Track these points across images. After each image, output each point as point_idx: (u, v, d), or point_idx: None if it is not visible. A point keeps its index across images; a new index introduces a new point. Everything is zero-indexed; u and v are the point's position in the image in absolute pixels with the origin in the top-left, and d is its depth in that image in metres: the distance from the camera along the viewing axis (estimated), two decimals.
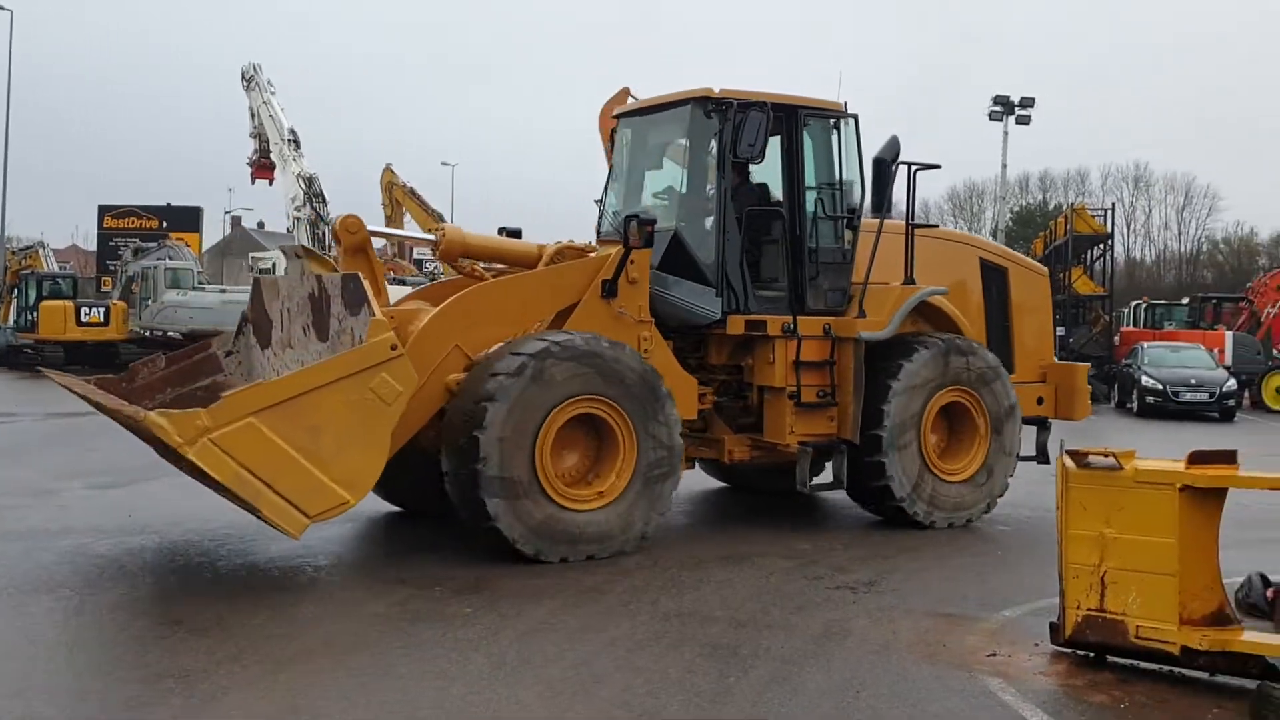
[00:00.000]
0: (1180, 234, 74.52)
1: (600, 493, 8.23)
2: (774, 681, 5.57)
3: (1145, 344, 26.32)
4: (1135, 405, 24.66)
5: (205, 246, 52.79)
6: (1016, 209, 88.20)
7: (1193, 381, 23.77)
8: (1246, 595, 7.21)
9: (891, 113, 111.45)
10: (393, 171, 41.76)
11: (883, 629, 6.59)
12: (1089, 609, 5.81)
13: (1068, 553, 5.88)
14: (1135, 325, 33.00)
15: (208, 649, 5.88)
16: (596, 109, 12.41)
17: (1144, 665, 5.78)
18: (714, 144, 9.42)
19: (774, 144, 9.43)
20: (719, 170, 9.42)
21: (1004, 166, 36.90)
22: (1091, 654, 5.98)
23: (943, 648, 6.24)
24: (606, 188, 10.59)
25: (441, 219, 43.63)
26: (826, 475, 9.83)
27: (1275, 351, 28.41)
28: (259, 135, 36.09)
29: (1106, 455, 5.78)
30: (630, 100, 21.00)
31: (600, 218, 10.46)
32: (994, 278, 10.98)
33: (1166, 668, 5.72)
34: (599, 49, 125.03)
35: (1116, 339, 31.19)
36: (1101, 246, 31.62)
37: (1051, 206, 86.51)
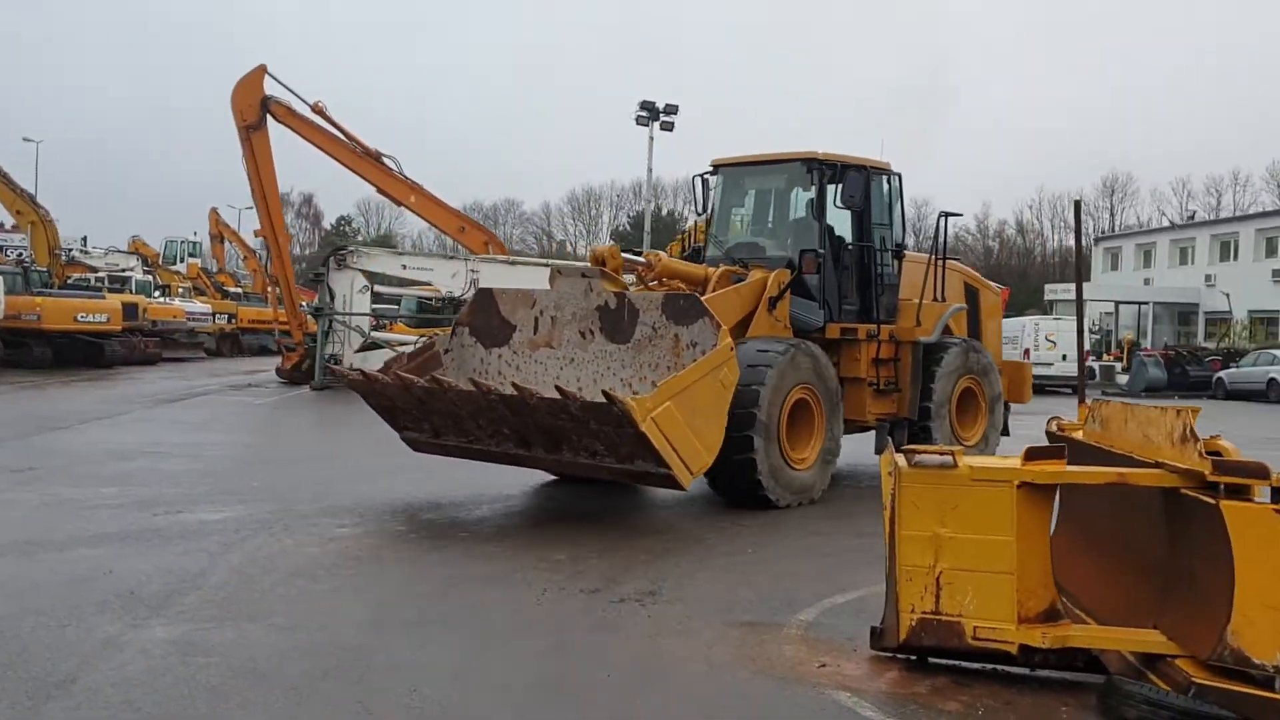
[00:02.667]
0: None
1: (804, 458, 11.11)
2: None
3: None
4: None
5: None
6: (632, 215, 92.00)
7: None
8: None
9: (550, 110, 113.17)
10: None
11: (695, 645, 6.12)
12: (924, 612, 5.63)
13: (901, 555, 5.67)
14: None
15: None
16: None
17: (966, 665, 5.70)
18: (815, 194, 12.42)
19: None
20: (818, 214, 12.36)
21: (649, 171, 38.00)
22: (914, 657, 5.83)
23: (768, 661, 5.86)
24: (709, 226, 13.34)
25: (33, 200, 38.74)
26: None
27: None
28: None
29: (943, 453, 5.63)
30: (268, 77, 20.13)
31: (705, 246, 13.26)
32: (971, 295, 14.29)
33: (990, 666, 5.68)
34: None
35: None
36: None
37: (665, 213, 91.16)
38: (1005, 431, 14.00)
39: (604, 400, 8.91)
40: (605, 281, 11.05)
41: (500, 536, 9.25)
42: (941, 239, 13.32)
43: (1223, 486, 4.89)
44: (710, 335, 10.04)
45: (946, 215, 13.37)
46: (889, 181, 13.01)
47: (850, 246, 12.52)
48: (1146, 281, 53.65)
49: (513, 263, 33.91)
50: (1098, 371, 38.99)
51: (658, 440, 8.88)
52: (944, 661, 5.75)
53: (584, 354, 11.07)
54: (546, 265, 34.79)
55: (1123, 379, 39.40)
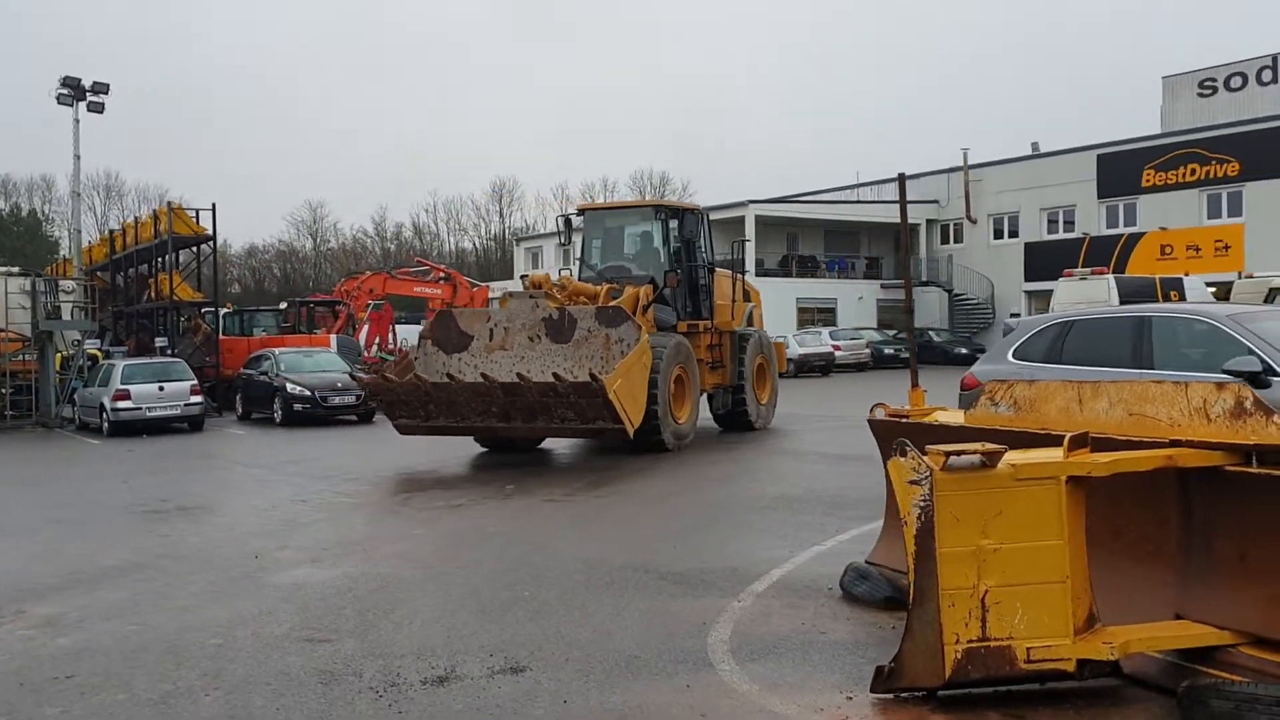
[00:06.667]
0: None
1: (682, 414, 15.58)
2: None
3: (278, 351, 25.16)
4: (279, 415, 23.44)
5: None
6: None
7: (339, 386, 23.40)
8: (853, 583, 6.87)
9: None
10: None
11: None
12: (970, 640, 4.79)
13: (943, 577, 4.77)
14: (224, 333, 31.55)
15: None
16: None
17: (978, 692, 4.97)
18: (663, 231, 17.16)
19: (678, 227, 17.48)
20: (666, 244, 17.09)
21: (77, 158, 32.02)
22: (920, 692, 4.98)
23: None
24: (583, 254, 18.02)
25: None
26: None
27: (379, 352, 29.47)
28: None
29: (983, 453, 4.80)
30: None
31: (580, 269, 17.79)
32: (747, 296, 19.31)
33: (1004, 688, 5.00)
34: None
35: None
36: (201, 249, 29.52)
37: (25, 213, 79.79)
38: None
39: (587, 380, 13.22)
40: (549, 300, 15.34)
41: (204, 623, 6.83)
42: (739, 257, 18.90)
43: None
44: (633, 333, 14.46)
45: (742, 241, 20.24)
46: (703, 219, 17.96)
47: (685, 266, 17.20)
48: None
49: None
50: None
51: (618, 405, 13.19)
52: (954, 693, 4.97)
53: (532, 352, 15.13)
54: None
55: None
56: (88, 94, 30.78)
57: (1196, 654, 4.89)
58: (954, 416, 6.63)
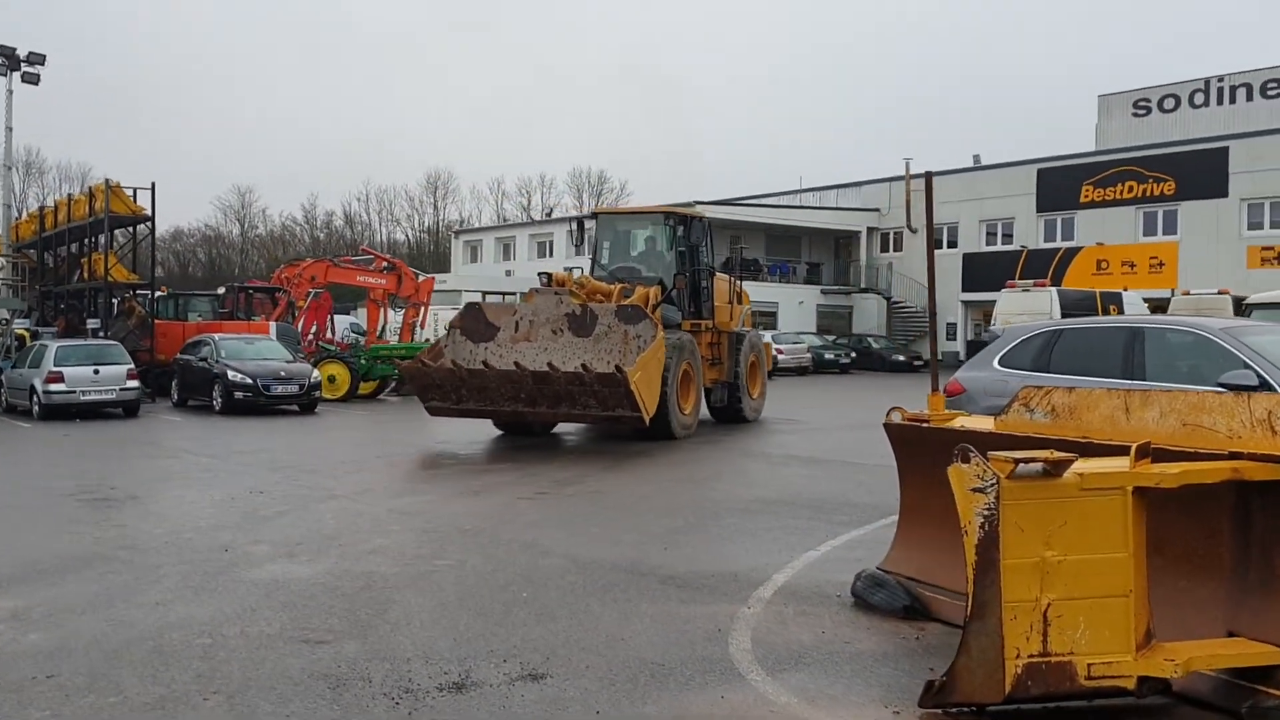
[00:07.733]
0: None
1: (687, 406, 16.79)
2: None
3: (218, 336, 24.34)
4: (219, 402, 22.70)
5: None
6: None
7: (282, 374, 22.75)
8: (868, 591, 6.67)
9: None
10: None
11: None
12: (1030, 655, 4.59)
13: (1006, 589, 4.57)
14: (158, 317, 30.48)
15: None
16: None
17: (1027, 708, 4.79)
18: (670, 236, 18.72)
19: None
20: (673, 248, 18.61)
21: (9, 130, 30.61)
22: (970, 707, 4.78)
23: None
24: (595, 255, 19.17)
25: None
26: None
27: (316, 341, 28.73)
28: None
29: (1048, 462, 4.60)
30: None
31: (593, 268, 18.97)
32: (739, 298, 20.29)
33: (1055, 705, 4.82)
34: None
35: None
36: (137, 230, 28.48)
37: None
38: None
39: (611, 371, 14.50)
40: (572, 297, 16.35)
41: (191, 621, 6.42)
42: (737, 263, 20.79)
43: None
44: (651, 330, 15.62)
45: (742, 247, 24.00)
46: (707, 227, 19.27)
47: (689, 270, 18.44)
48: (508, 273, 56.38)
49: None
50: None
51: (638, 395, 14.44)
52: (1004, 708, 4.77)
53: (555, 344, 16.00)
54: None
55: None
56: (22, 64, 29.55)
57: (1254, 673, 4.76)
58: (981, 422, 6.45)
